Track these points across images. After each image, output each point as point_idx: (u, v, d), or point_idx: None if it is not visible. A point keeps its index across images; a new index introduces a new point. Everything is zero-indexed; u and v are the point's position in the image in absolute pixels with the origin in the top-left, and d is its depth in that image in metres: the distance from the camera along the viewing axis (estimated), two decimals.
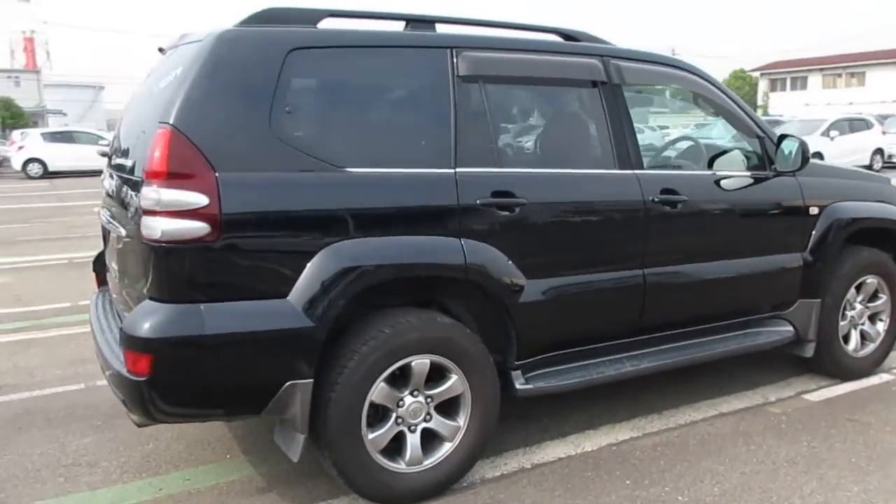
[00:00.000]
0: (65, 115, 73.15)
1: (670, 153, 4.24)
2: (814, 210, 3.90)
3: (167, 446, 3.50)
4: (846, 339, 4.21)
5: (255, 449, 3.46)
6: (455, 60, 3.00)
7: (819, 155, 14.60)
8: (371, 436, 2.81)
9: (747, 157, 3.82)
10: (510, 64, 3.16)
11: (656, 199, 3.35)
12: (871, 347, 4.32)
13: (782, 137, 3.73)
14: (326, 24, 2.94)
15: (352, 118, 2.85)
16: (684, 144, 4.30)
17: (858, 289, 4.20)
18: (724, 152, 3.88)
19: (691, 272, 3.55)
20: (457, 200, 2.89)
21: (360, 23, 3.10)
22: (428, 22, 3.11)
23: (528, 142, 3.60)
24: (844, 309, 4.18)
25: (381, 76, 2.94)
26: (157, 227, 2.47)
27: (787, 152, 3.67)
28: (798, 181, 3.86)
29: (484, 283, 2.97)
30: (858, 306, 4.24)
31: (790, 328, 3.95)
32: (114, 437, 3.58)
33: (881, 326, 4.34)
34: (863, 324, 4.29)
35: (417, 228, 2.85)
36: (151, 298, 2.56)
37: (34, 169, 22.42)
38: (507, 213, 3.00)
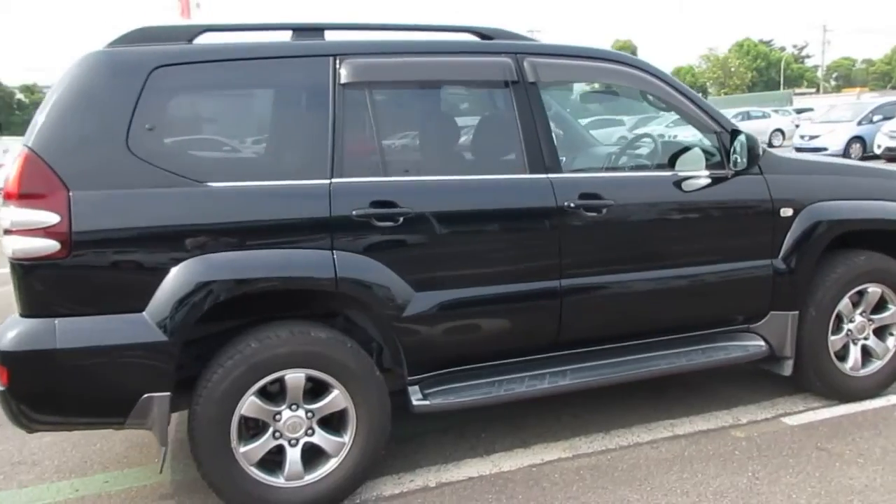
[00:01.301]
0: None
1: (623, 152, 3.92)
2: (786, 211, 3.48)
3: (110, 447, 3.67)
4: (842, 355, 3.74)
5: (187, 454, 3.55)
6: (337, 68, 2.93)
7: None
8: (243, 449, 2.81)
9: (709, 155, 3.47)
10: (400, 69, 3.05)
11: (573, 205, 3.12)
12: (876, 365, 3.80)
13: (735, 133, 3.35)
14: (207, 38, 2.96)
15: (218, 132, 2.86)
16: (640, 142, 3.97)
17: (857, 298, 3.71)
18: (686, 150, 3.54)
19: (623, 283, 3.27)
20: (329, 212, 2.83)
21: (251, 35, 3.10)
22: (316, 30, 3.06)
23: (423, 149, 3.44)
24: (840, 321, 3.71)
25: (252, 89, 2.94)
26: (11, 246, 2.59)
27: (737, 149, 3.30)
28: (766, 180, 3.47)
29: (360, 296, 2.89)
30: (858, 318, 3.75)
31: (761, 343, 3.55)
32: (69, 438, 3.78)
33: (891, 342, 3.81)
34: (865, 338, 3.78)
35: (284, 241, 2.81)
36: (20, 313, 2.69)
37: None
38: (389, 223, 2.90)
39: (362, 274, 2.86)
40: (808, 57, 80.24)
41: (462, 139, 3.35)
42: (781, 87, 64.56)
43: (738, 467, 3.17)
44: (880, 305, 3.77)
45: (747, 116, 27.24)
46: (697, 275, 3.39)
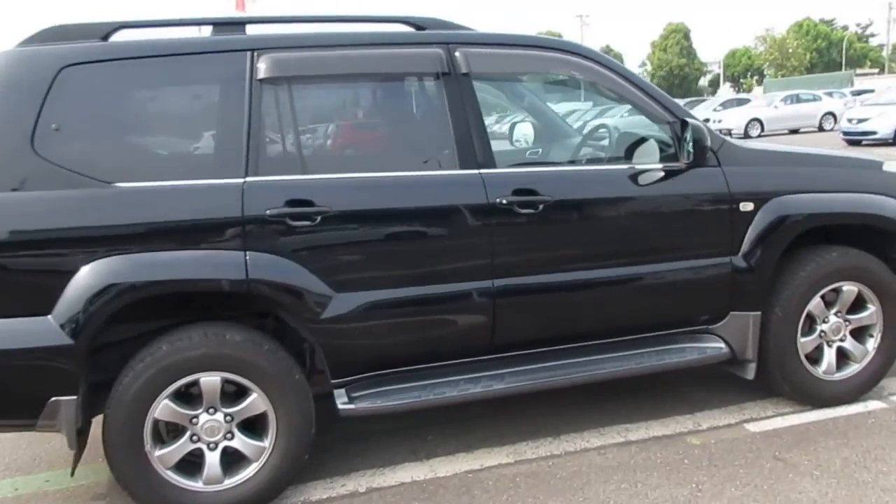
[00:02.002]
0: None
1: (576, 145, 3.74)
2: (746, 206, 3.27)
3: (62, 446, 3.67)
4: (815, 357, 3.51)
5: None
6: (254, 63, 2.85)
7: None
8: (158, 452, 2.77)
9: (664, 147, 3.27)
10: (321, 63, 2.95)
11: (505, 202, 2.98)
12: (854, 369, 3.56)
13: (685, 124, 3.15)
14: (125, 35, 2.91)
15: (128, 132, 2.81)
16: (596, 134, 3.77)
17: (832, 297, 3.48)
18: (642, 142, 3.35)
19: (562, 283, 3.12)
20: (241, 212, 2.75)
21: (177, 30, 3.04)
22: (237, 24, 2.98)
23: (345, 145, 3.33)
24: (813, 322, 3.47)
25: (166, 86, 2.87)
26: None
27: (686, 140, 3.10)
28: (724, 172, 3.26)
29: (275, 298, 2.81)
30: (833, 319, 3.51)
31: (721, 345, 3.35)
32: (25, 436, 3.80)
33: (871, 344, 3.56)
34: (841, 340, 3.54)
35: (193, 242, 2.75)
36: None
37: None
38: (306, 223, 2.81)
39: (276, 275, 2.78)
40: (872, 36, 76.96)
41: (389, 134, 3.23)
42: (843, 67, 62.05)
43: (683, 477, 2.99)
44: (858, 305, 3.52)
45: (796, 99, 26.13)
46: (646, 274, 3.21)
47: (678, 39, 70.87)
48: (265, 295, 2.80)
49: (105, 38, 2.87)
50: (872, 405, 3.56)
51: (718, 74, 74.01)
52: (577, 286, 3.14)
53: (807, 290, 3.38)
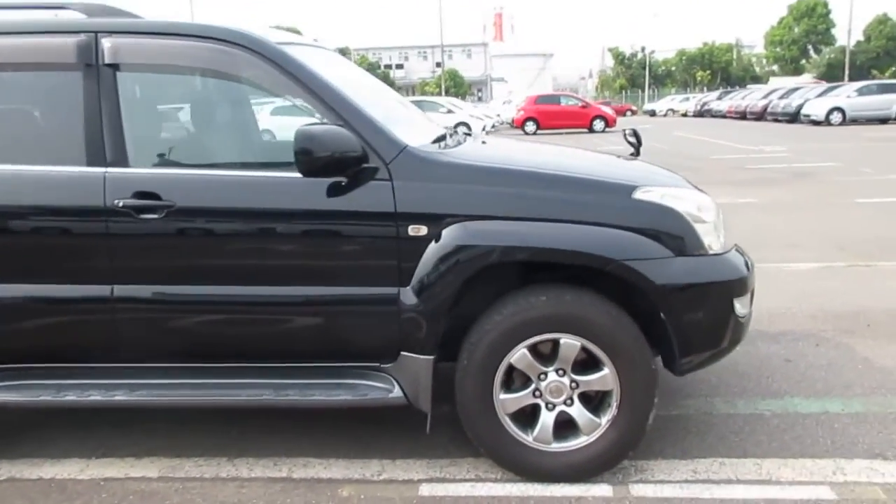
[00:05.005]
0: (505, 81, 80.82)
1: (229, 147, 3.33)
2: (418, 229, 2.74)
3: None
4: (525, 421, 2.88)
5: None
6: None
7: None
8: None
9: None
10: None
11: (122, 205, 2.79)
12: (580, 442, 2.86)
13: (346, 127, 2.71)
14: None
15: None
16: (258, 137, 3.29)
17: (550, 350, 2.81)
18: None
19: (191, 297, 2.86)
20: None
21: None
22: None
23: None
24: (526, 378, 2.84)
25: None
26: None
27: (296, 151, 2.65)
28: (394, 188, 2.75)
29: None
30: (554, 377, 2.83)
31: (393, 387, 2.87)
32: None
33: (606, 417, 2.82)
34: (567, 404, 2.85)
35: None
36: None
37: None
38: None
39: None
40: None
41: (18, 127, 3.05)
42: None
43: None
44: (590, 364, 2.81)
45: (876, 89, 25.84)
46: (289, 297, 2.83)
47: None
48: None
49: None
50: (595, 490, 2.83)
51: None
52: (206, 302, 2.87)
53: (501, 339, 2.76)
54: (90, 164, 2.85)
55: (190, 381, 2.95)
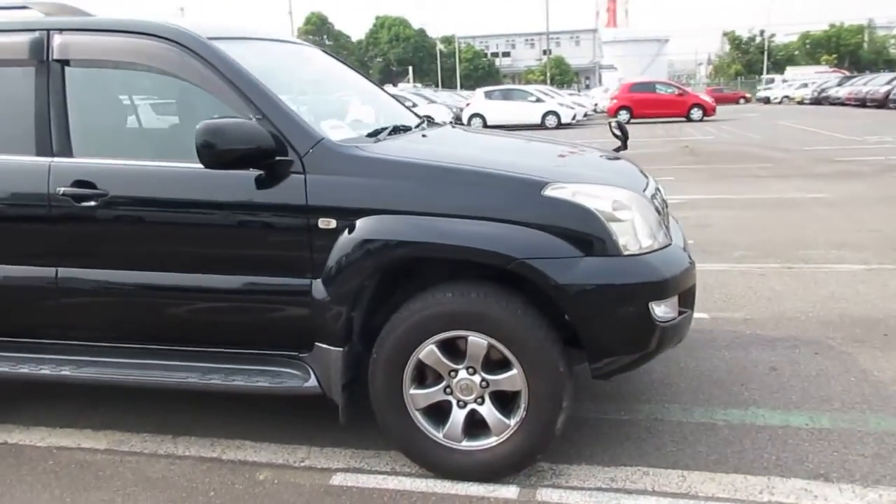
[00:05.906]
0: (615, 69, 78.80)
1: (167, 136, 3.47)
2: (328, 223, 2.76)
3: None
4: (437, 417, 2.86)
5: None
6: None
7: None
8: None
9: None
10: None
11: (63, 192, 2.97)
12: (489, 442, 2.82)
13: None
14: None
15: None
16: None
17: (461, 347, 2.78)
18: None
19: (123, 281, 3.01)
20: None
21: None
22: None
23: None
24: (438, 374, 2.83)
25: None
26: None
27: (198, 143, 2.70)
28: (307, 181, 2.79)
29: None
30: (464, 375, 2.80)
31: (309, 377, 2.92)
32: None
33: (515, 418, 2.77)
34: (477, 402, 2.82)
35: None
36: None
37: (475, 123, 25.56)
38: None
39: None
40: None
41: None
42: None
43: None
44: (504, 364, 2.76)
45: None
46: (210, 285, 2.93)
47: None
48: None
49: None
50: (501, 492, 2.78)
51: None
52: (137, 286, 3.01)
53: (407, 334, 2.75)
54: (39, 153, 3.05)
55: (129, 361, 3.10)
